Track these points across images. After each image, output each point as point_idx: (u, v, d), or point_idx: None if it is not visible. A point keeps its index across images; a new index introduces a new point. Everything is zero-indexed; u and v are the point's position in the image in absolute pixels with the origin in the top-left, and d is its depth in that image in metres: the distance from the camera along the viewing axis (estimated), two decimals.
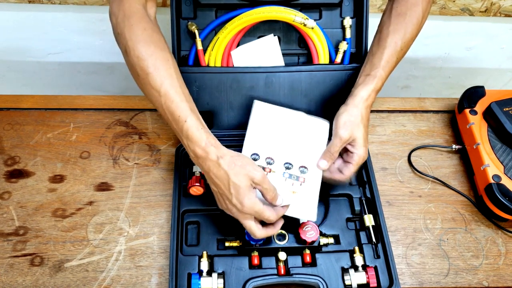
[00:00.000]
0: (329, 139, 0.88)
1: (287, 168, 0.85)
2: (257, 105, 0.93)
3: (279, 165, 0.86)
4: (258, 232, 0.78)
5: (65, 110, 1.10)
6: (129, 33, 0.75)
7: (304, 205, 0.84)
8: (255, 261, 0.85)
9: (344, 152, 0.87)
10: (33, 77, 1.43)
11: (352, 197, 0.94)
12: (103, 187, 0.98)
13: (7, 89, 1.45)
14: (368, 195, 0.95)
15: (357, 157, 0.84)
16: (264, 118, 0.91)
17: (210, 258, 0.86)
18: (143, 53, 0.74)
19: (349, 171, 0.85)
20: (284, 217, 0.93)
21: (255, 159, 0.85)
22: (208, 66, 0.98)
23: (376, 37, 0.92)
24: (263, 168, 0.83)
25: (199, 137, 0.75)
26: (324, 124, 0.93)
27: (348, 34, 1.00)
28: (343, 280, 0.84)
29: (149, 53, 0.75)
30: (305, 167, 0.86)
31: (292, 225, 0.90)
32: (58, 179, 0.99)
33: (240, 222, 0.78)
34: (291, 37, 1.01)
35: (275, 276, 0.83)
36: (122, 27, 0.75)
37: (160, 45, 0.77)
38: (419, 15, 0.89)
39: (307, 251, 0.87)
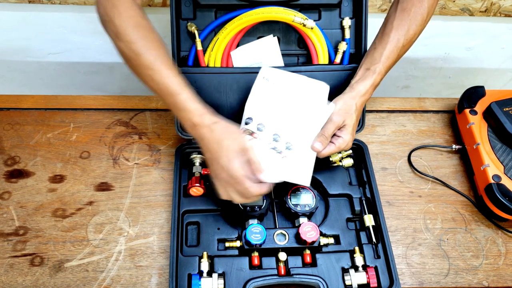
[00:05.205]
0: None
1: (275, 140, 0.86)
2: (264, 69, 0.92)
3: (268, 133, 0.86)
4: (253, 188, 0.79)
5: (65, 110, 1.10)
6: (119, 20, 0.79)
7: (298, 169, 0.86)
8: (256, 261, 0.85)
9: (332, 135, 0.90)
10: (33, 77, 1.42)
11: (352, 197, 0.94)
12: (103, 187, 0.98)
13: (7, 89, 1.45)
14: (368, 195, 0.95)
15: (342, 141, 0.88)
16: (267, 83, 0.91)
17: (211, 259, 0.86)
18: (133, 37, 0.79)
19: (328, 150, 0.88)
20: (283, 211, 0.93)
21: (247, 123, 0.87)
22: (207, 66, 0.98)
23: (380, 30, 0.93)
24: (251, 133, 0.86)
25: (195, 107, 0.81)
26: (324, 86, 0.92)
27: (347, 35, 1.00)
28: (344, 280, 0.84)
29: (139, 36, 0.79)
30: (296, 133, 0.87)
31: (292, 224, 0.90)
32: (58, 179, 0.99)
33: (230, 189, 0.81)
34: (290, 37, 1.01)
35: (275, 277, 0.83)
36: (112, 16, 0.80)
37: (148, 29, 0.82)
38: (424, 12, 0.89)
39: (307, 251, 0.86)
